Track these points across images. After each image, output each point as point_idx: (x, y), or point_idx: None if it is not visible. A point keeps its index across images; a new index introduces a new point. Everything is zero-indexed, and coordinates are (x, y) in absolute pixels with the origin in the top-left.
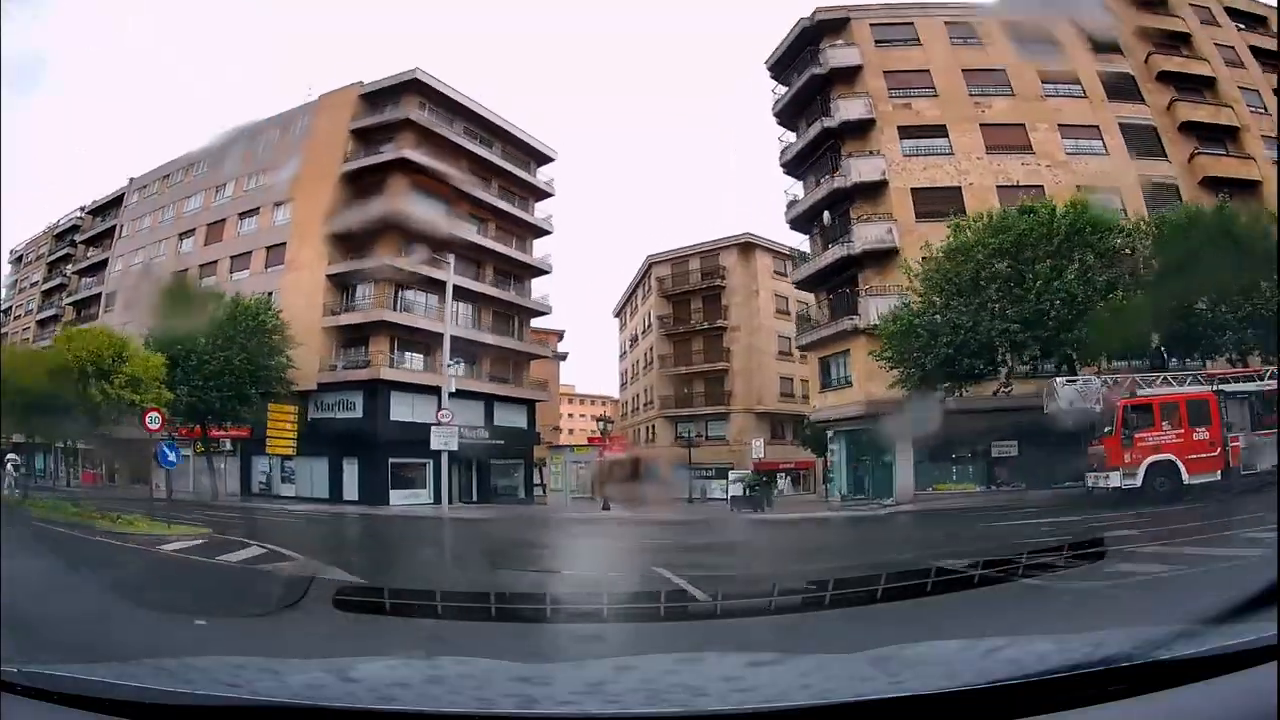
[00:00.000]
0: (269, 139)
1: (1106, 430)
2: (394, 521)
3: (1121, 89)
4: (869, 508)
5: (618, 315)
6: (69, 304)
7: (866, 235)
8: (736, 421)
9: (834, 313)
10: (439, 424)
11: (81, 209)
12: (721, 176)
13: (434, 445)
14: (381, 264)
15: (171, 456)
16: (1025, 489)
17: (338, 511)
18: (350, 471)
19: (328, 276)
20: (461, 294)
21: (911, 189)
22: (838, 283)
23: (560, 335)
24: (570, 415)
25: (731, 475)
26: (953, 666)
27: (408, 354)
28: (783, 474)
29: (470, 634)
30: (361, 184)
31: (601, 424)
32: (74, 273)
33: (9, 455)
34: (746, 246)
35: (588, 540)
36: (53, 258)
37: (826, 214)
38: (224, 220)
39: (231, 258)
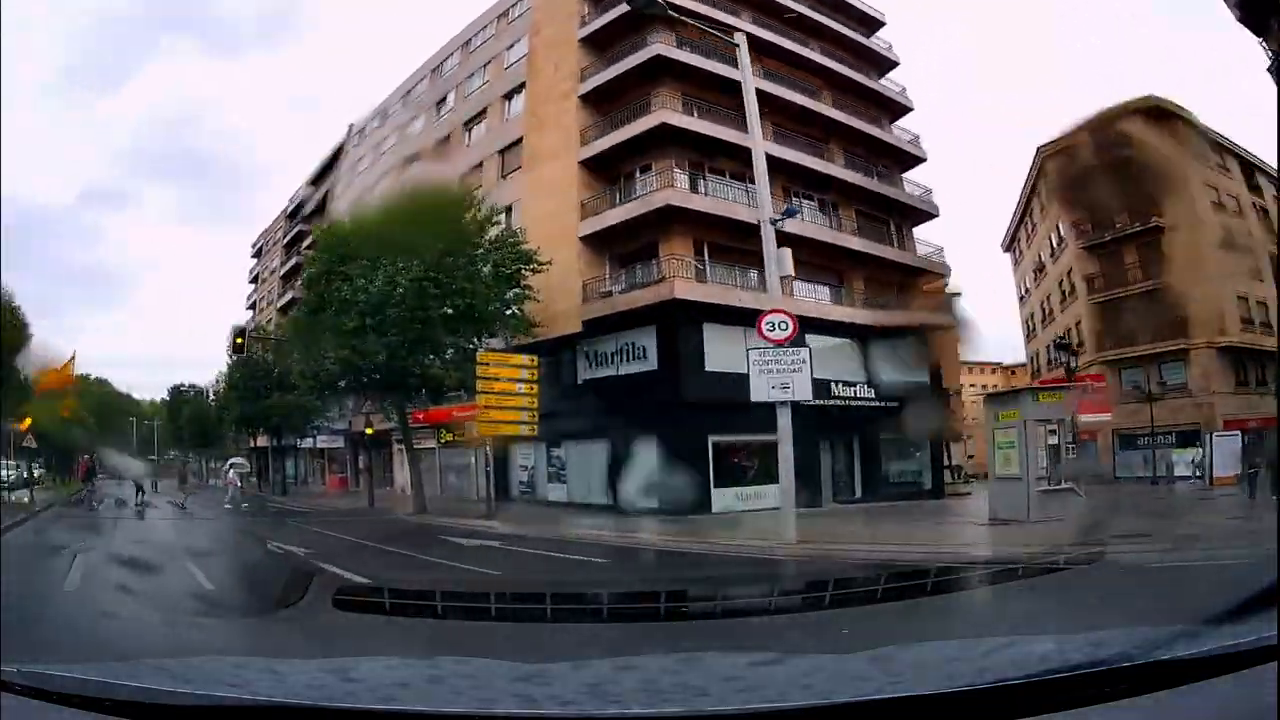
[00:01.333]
0: (486, 34)
1: None
2: (648, 560)
3: None
4: None
5: (1008, 248)
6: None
7: None
8: (1199, 362)
9: None
10: (764, 348)
11: (308, 180)
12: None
13: (758, 393)
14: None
15: None
16: None
17: (578, 538)
18: (646, 460)
19: (583, 163)
20: (803, 177)
21: None
22: None
23: (944, 276)
24: (967, 386)
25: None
26: (953, 666)
27: (726, 268)
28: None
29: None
30: (609, 49)
31: (1063, 355)
32: (306, 248)
33: (232, 460)
34: (1157, 114)
35: None
36: (287, 239)
37: None
38: (449, 136)
39: (461, 177)
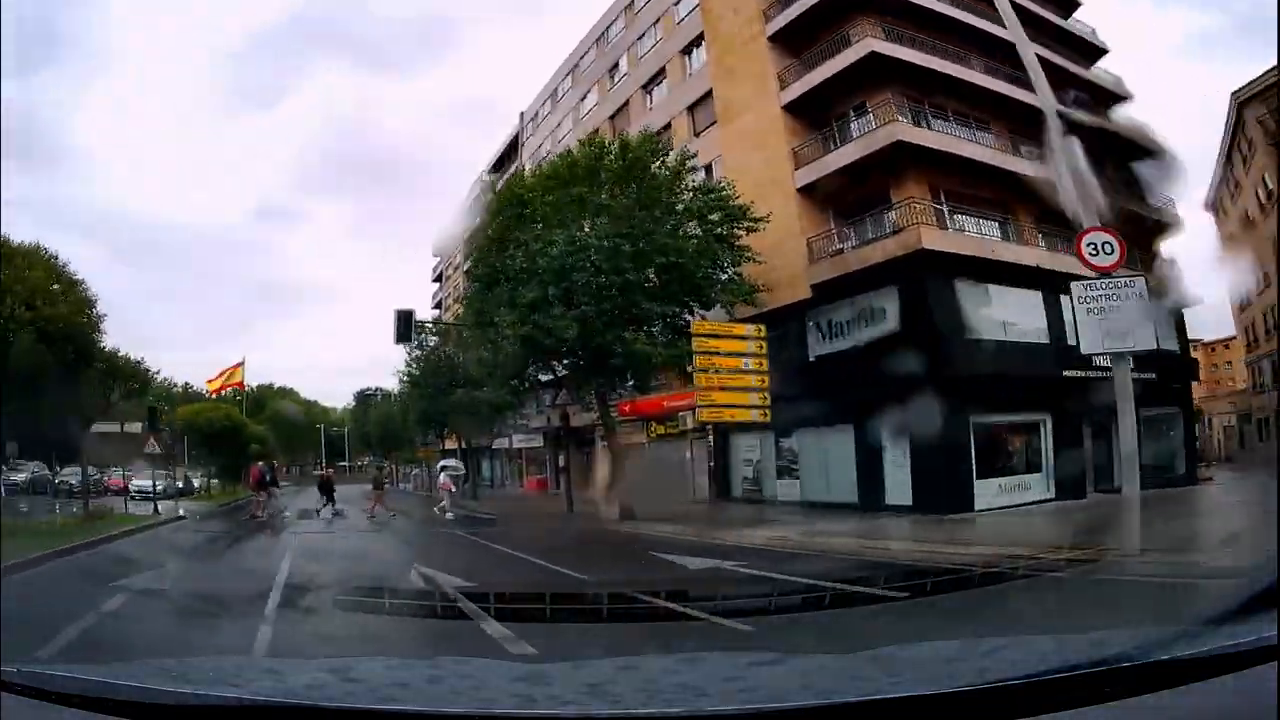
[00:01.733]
0: None
1: None
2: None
3: None
4: None
5: (1210, 206)
6: None
7: None
8: None
9: None
10: (1089, 281)
11: (486, 170)
12: None
13: (1088, 343)
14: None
15: None
16: None
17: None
18: (895, 450)
19: (786, 108)
20: (1022, 117)
21: None
22: None
23: (1179, 230)
24: None
25: None
26: (953, 666)
27: (970, 219)
28: None
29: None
30: None
31: None
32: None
33: (443, 462)
34: None
35: None
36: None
37: None
38: (627, 102)
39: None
